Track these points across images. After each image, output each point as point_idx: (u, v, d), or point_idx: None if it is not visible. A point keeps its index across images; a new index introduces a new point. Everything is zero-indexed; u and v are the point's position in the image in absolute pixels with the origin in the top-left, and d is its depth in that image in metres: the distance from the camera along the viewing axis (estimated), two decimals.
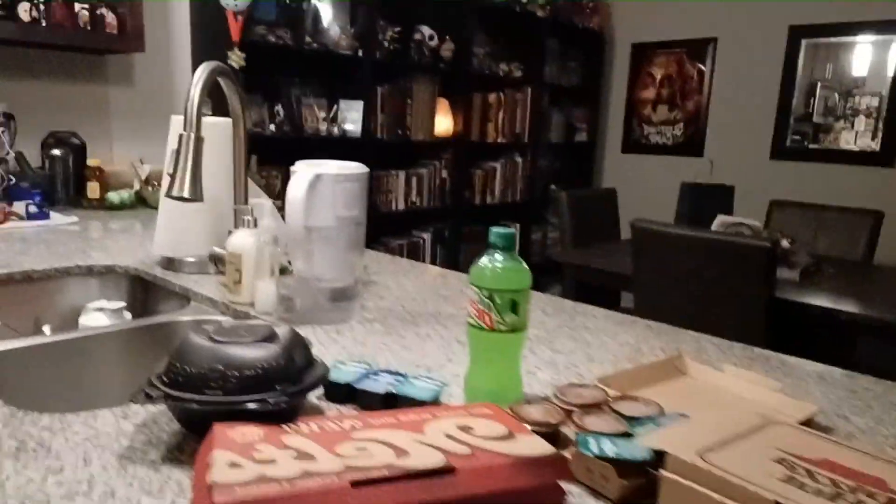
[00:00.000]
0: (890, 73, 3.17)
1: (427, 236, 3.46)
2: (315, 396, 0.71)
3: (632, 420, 0.64)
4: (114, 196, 2.03)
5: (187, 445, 0.60)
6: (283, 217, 0.96)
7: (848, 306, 1.91)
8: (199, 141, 0.87)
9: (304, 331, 0.96)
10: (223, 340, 0.61)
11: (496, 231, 0.68)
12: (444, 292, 1.22)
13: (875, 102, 3.23)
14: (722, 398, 0.76)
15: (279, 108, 2.77)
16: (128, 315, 1.18)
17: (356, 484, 0.47)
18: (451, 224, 3.54)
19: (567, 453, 0.59)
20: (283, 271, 1.14)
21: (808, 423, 0.67)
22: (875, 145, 3.25)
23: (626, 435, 0.61)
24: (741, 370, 0.81)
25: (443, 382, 0.71)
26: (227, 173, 1.17)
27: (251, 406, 0.57)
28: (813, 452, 0.54)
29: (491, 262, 0.68)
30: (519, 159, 3.85)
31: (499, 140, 3.69)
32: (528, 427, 0.60)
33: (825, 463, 0.52)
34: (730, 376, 0.80)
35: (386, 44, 3.10)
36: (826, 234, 2.76)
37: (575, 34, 4.02)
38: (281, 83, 2.84)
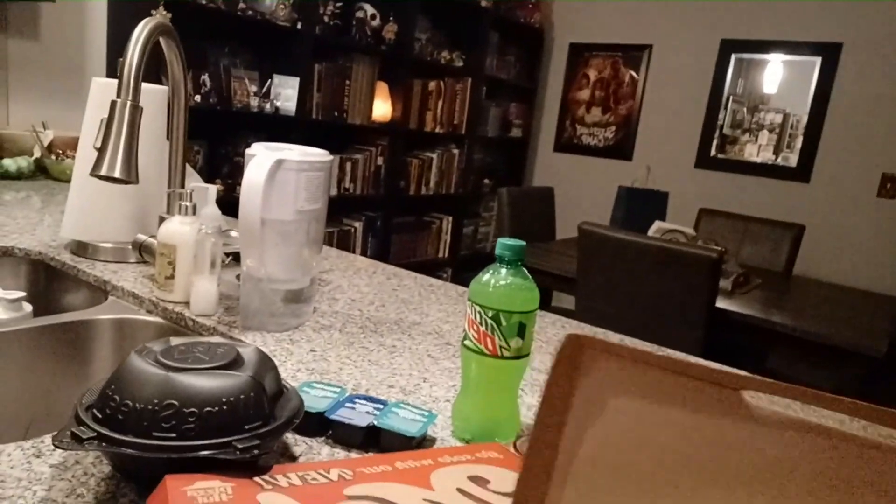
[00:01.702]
0: (796, 92, 3.35)
1: (359, 225, 3.32)
2: None
3: None
4: (9, 163, 1.78)
5: (123, 496, 0.48)
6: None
7: (778, 317, 1.97)
8: (136, 111, 0.72)
9: (250, 338, 0.84)
10: (176, 366, 0.49)
11: (504, 242, 0.59)
12: (403, 295, 1.12)
13: (779, 119, 3.42)
14: None
15: (205, 77, 2.54)
16: (28, 307, 1.00)
17: None
18: (383, 213, 3.41)
19: None
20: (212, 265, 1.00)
21: None
22: (780, 160, 3.43)
23: None
24: None
25: (430, 412, 0.62)
26: (160, 150, 1.01)
27: (215, 454, 0.45)
28: None
29: (496, 279, 0.59)
30: (455, 151, 3.77)
31: (437, 130, 3.60)
32: None
33: None
34: None
35: (326, 19, 2.92)
36: (751, 244, 2.87)
37: (515, 29, 3.98)
38: (209, 51, 2.61)
